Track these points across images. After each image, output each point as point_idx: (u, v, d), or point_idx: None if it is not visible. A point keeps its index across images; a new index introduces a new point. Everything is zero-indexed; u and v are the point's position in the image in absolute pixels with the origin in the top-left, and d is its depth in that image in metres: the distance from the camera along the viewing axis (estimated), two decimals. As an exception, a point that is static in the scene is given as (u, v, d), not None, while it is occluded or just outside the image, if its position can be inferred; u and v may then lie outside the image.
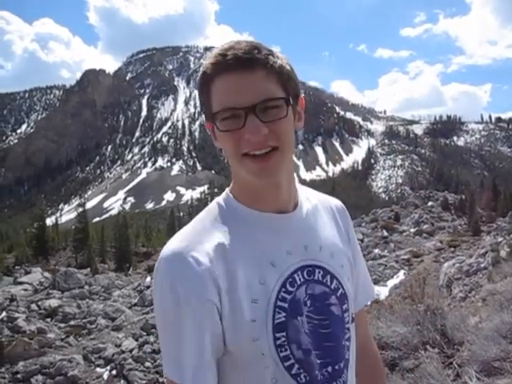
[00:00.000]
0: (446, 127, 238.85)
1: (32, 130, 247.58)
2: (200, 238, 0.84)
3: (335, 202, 1.04)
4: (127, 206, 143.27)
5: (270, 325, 0.84)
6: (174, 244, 0.84)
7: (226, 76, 0.79)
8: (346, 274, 0.95)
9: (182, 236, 0.85)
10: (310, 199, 0.97)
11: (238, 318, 0.82)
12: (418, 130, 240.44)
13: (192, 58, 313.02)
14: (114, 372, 12.82)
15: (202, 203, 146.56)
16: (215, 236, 0.85)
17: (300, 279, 0.88)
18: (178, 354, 0.81)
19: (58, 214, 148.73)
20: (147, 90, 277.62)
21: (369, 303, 1.00)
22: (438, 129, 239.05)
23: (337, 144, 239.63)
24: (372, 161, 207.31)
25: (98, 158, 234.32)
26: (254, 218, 0.88)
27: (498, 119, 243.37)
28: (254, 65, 0.78)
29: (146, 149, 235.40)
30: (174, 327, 0.81)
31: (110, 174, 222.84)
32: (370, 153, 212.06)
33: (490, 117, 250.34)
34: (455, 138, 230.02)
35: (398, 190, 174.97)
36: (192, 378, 0.80)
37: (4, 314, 16.70)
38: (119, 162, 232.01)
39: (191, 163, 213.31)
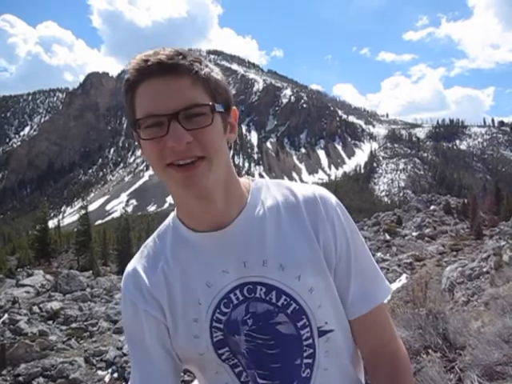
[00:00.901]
0: (449, 131, 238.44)
1: (35, 133, 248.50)
2: (144, 262, 0.92)
3: (306, 195, 0.91)
4: (129, 209, 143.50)
5: (210, 342, 0.87)
6: (127, 267, 0.95)
7: (148, 82, 0.76)
8: (305, 285, 0.86)
9: (133, 260, 0.95)
10: (265, 202, 0.90)
11: (181, 334, 0.88)
12: (421, 133, 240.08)
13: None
14: (115, 375, 12.81)
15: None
16: (159, 259, 0.90)
17: (238, 298, 0.86)
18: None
19: (60, 217, 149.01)
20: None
21: (367, 310, 0.92)
22: (440, 132, 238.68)
23: (339, 147, 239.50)
24: (374, 164, 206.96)
25: (100, 160, 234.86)
26: (191, 238, 0.88)
27: (501, 123, 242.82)
28: (177, 71, 0.75)
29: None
30: (126, 338, 0.99)
31: (113, 176, 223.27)
32: (373, 156, 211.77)
33: (493, 120, 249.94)
34: (458, 142, 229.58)
35: (401, 194, 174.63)
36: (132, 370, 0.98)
37: (6, 316, 16.73)
38: (122, 165, 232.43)
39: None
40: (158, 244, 0.93)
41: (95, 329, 17.35)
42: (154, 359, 0.90)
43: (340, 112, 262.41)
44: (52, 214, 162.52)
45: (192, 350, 0.89)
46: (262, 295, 0.85)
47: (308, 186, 0.93)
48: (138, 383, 0.94)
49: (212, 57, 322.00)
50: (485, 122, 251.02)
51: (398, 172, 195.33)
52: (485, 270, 12.43)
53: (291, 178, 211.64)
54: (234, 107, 0.86)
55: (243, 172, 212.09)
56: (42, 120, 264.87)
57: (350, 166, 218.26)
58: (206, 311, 0.86)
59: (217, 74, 0.81)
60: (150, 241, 0.95)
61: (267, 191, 0.91)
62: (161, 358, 0.90)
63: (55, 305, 19.99)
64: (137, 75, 0.77)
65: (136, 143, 0.81)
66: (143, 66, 0.76)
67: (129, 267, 0.95)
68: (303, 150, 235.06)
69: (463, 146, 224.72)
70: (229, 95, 0.84)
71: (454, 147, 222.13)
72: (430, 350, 3.59)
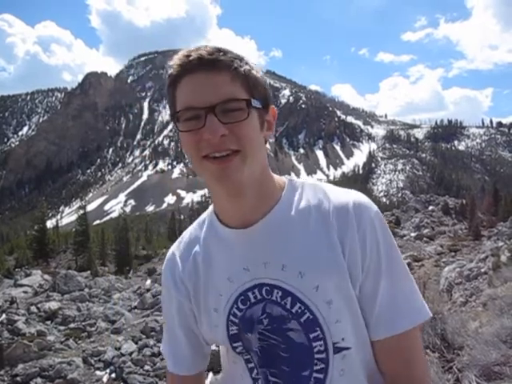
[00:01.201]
0: (447, 131, 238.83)
1: (33, 133, 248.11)
2: (182, 248, 0.98)
3: (340, 202, 0.87)
4: (128, 209, 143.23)
5: (226, 334, 0.91)
6: (169, 251, 1.02)
7: (189, 77, 0.79)
8: (323, 296, 0.83)
9: (174, 245, 1.01)
10: (297, 204, 0.88)
11: (204, 321, 0.94)
12: (419, 134, 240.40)
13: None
14: (113, 375, 12.80)
15: (202, 206, 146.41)
16: (193, 247, 0.95)
17: (256, 297, 0.87)
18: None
19: (58, 217, 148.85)
20: (148, 93, 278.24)
21: (390, 334, 0.85)
22: (438, 133, 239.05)
23: (338, 148, 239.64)
24: (373, 165, 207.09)
25: (99, 160, 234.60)
26: (222, 232, 0.90)
27: (499, 124, 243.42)
28: (217, 66, 0.78)
29: (146, 152, 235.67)
30: (162, 310, 1.06)
31: (111, 176, 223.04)
32: (371, 157, 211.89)
33: (491, 121, 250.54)
34: (456, 143, 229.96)
35: (399, 194, 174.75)
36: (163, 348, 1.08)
37: (4, 316, 16.70)
38: (120, 165, 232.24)
39: (192, 166, 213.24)
40: (195, 232, 0.96)
41: (93, 329, 17.33)
42: (178, 337, 0.99)
43: (338, 112, 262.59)
44: (50, 214, 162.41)
45: (213, 337, 0.94)
46: (278, 299, 0.85)
47: (347, 193, 0.89)
48: (166, 352, 1.04)
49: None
50: (483, 123, 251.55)
51: (397, 172, 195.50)
52: (483, 270, 12.45)
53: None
54: (273, 106, 0.88)
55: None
56: (41, 120, 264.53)
57: (348, 166, 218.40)
58: (225, 304, 0.89)
59: (257, 72, 0.83)
60: (190, 227, 0.99)
61: (302, 193, 0.90)
62: (184, 338, 0.98)
63: (53, 305, 19.97)
64: (179, 70, 0.80)
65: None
66: (185, 61, 0.79)
67: (169, 251, 1.00)
68: (302, 151, 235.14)
69: (461, 147, 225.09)
70: (267, 93, 0.86)
71: (453, 148, 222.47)
72: (428, 351, 3.59)
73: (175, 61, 0.81)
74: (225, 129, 0.77)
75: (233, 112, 0.78)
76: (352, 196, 0.87)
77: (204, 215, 0.98)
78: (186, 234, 0.99)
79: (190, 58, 0.78)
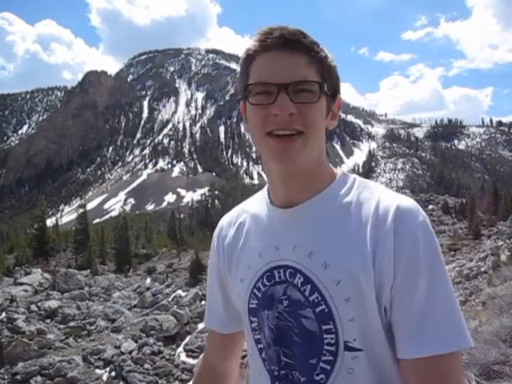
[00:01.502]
0: (447, 131, 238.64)
1: (33, 131, 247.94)
2: (232, 216, 1.03)
3: (384, 204, 0.83)
4: (128, 208, 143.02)
5: (247, 306, 0.93)
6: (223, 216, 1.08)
7: (268, 53, 0.80)
8: (342, 293, 0.81)
9: (228, 212, 1.06)
10: (341, 198, 0.87)
11: (232, 288, 1.00)
12: (419, 133, 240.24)
13: (193, 60, 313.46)
14: (113, 373, 12.82)
15: (202, 205, 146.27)
16: (241, 217, 1.00)
17: (280, 277, 0.88)
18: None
19: (58, 215, 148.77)
20: (148, 92, 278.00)
21: (415, 356, 0.78)
22: (438, 132, 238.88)
23: (337, 147, 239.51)
24: (373, 164, 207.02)
25: (98, 159, 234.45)
26: (266, 208, 0.94)
27: (499, 123, 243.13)
28: (297, 47, 0.79)
29: (146, 150, 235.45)
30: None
31: (111, 175, 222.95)
32: (371, 156, 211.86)
33: (491, 120, 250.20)
34: (456, 142, 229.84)
35: (399, 193, 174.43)
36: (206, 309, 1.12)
37: (4, 314, 16.71)
38: (120, 164, 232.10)
39: (192, 165, 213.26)
40: (248, 204, 1.01)
41: (93, 327, 17.33)
42: (215, 294, 1.05)
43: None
44: (50, 213, 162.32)
45: (237, 306, 0.98)
46: (299, 284, 0.85)
47: (395, 197, 0.85)
48: (206, 307, 1.10)
49: (211, 56, 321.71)
50: (483, 122, 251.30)
51: (397, 171, 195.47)
52: (482, 269, 12.46)
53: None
54: (341, 96, 0.89)
55: (241, 171, 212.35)
56: (41, 118, 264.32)
57: (348, 165, 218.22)
58: (252, 277, 0.91)
59: (331, 60, 0.84)
60: (246, 200, 1.04)
61: (350, 188, 0.89)
62: (220, 296, 1.04)
63: (53, 303, 19.97)
64: (258, 45, 0.81)
65: (242, 115, 0.88)
66: (266, 38, 0.80)
67: (223, 217, 1.06)
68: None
69: (461, 146, 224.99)
70: (338, 83, 0.87)
71: (453, 147, 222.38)
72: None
73: (257, 36, 0.82)
74: (294, 108, 0.78)
75: (304, 93, 0.79)
76: (398, 200, 0.83)
77: (259, 192, 1.01)
78: (240, 205, 1.03)
79: (272, 36, 0.80)
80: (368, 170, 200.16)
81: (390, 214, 0.81)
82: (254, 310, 0.92)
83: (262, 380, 0.93)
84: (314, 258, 0.84)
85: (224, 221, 1.04)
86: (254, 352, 0.94)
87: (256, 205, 0.97)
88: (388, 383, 0.84)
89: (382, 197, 0.85)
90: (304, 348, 0.85)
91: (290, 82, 0.78)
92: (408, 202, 0.83)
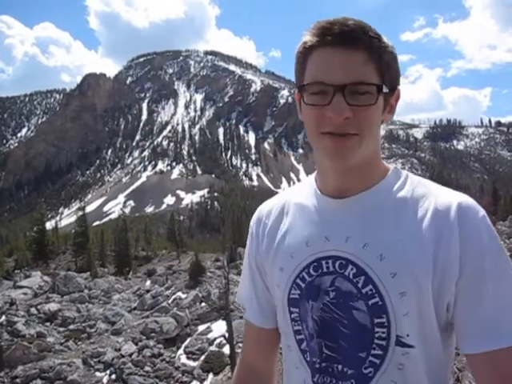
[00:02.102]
0: (446, 131, 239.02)
1: (32, 134, 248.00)
2: (274, 202, 1.00)
3: (443, 200, 0.82)
4: (127, 210, 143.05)
5: (287, 296, 0.90)
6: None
7: (324, 49, 0.78)
8: (397, 287, 0.80)
9: (272, 197, 1.04)
10: (394, 193, 0.86)
11: (268, 276, 0.97)
12: (418, 133, 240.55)
13: (192, 62, 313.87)
14: (113, 376, 12.79)
15: (202, 207, 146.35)
16: (285, 202, 0.97)
17: (329, 268, 0.86)
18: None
19: (57, 218, 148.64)
20: (147, 94, 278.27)
21: (482, 350, 0.77)
22: (437, 133, 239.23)
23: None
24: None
25: (98, 161, 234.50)
26: (315, 197, 0.92)
27: (498, 123, 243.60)
28: (355, 44, 0.76)
29: (146, 152, 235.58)
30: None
31: (110, 177, 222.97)
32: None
33: (490, 121, 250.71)
34: (455, 142, 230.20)
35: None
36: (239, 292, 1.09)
37: (3, 317, 16.70)
38: (119, 166, 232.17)
39: (191, 167, 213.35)
40: (294, 190, 0.99)
41: (93, 330, 17.31)
42: (259, 286, 1.01)
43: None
44: (49, 216, 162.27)
45: (274, 295, 0.95)
46: (351, 275, 0.83)
47: (452, 193, 0.84)
48: (243, 297, 1.06)
49: (209, 57, 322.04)
50: (482, 123, 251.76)
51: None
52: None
53: (289, 179, 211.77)
54: (399, 87, 0.86)
55: (240, 173, 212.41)
56: (39, 121, 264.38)
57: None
58: (295, 266, 0.88)
59: (391, 52, 0.81)
60: (289, 188, 1.02)
61: (404, 183, 0.87)
62: (263, 288, 1.00)
63: (53, 306, 19.95)
64: (315, 40, 0.78)
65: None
66: (324, 32, 0.77)
67: (262, 205, 1.04)
68: (301, 151, 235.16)
69: (460, 147, 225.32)
70: (397, 75, 0.84)
71: (452, 147, 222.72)
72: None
73: (314, 30, 0.79)
74: (350, 111, 0.76)
75: (361, 95, 0.77)
76: (458, 197, 0.83)
77: (306, 179, 0.99)
78: (281, 194, 1.02)
79: (331, 31, 0.77)
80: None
81: (453, 210, 0.80)
82: (295, 300, 0.89)
83: (299, 372, 0.91)
84: (368, 250, 0.82)
85: (263, 209, 1.01)
86: (291, 343, 0.92)
87: (301, 194, 0.95)
88: (437, 380, 0.83)
89: (439, 193, 0.84)
90: (353, 341, 0.84)
91: (347, 83, 0.76)
92: (467, 198, 0.83)
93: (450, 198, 0.82)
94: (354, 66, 0.76)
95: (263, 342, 1.03)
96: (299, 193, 0.96)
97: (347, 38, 0.76)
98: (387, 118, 0.86)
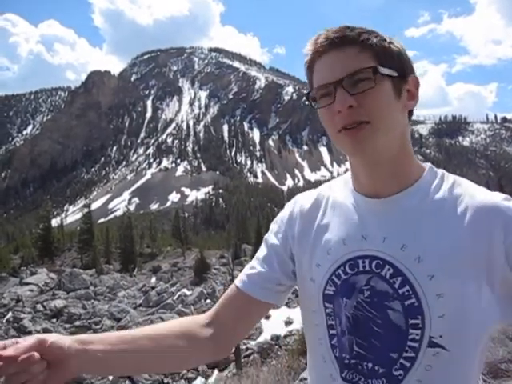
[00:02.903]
0: (451, 127, 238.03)
1: (37, 132, 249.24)
2: (312, 194, 1.00)
3: (485, 200, 0.82)
4: (132, 207, 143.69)
5: (322, 291, 0.91)
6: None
7: (320, 59, 0.83)
8: (435, 289, 0.79)
9: (308, 191, 1.04)
10: (432, 193, 0.86)
11: (302, 271, 0.95)
12: (423, 130, 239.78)
13: (196, 59, 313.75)
14: (119, 373, 12.81)
15: (206, 204, 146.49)
16: (322, 198, 0.97)
17: (365, 267, 0.86)
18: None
19: (63, 215, 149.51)
20: (152, 91, 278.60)
21: None
22: (443, 129, 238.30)
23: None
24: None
25: (103, 159, 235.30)
26: (351, 195, 0.92)
27: (504, 119, 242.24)
28: (344, 42, 0.80)
29: (150, 150, 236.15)
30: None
31: (115, 175, 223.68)
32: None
33: (496, 117, 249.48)
34: (460, 138, 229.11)
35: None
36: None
37: (10, 314, 16.82)
38: (124, 163, 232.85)
39: (196, 164, 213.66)
40: (326, 190, 0.99)
41: (99, 327, 17.40)
42: (280, 255, 0.97)
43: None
44: (55, 213, 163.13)
45: (307, 290, 0.95)
46: (387, 276, 0.83)
47: (492, 192, 0.85)
48: (247, 268, 1.00)
49: (214, 54, 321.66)
50: (487, 118, 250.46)
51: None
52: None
53: (293, 176, 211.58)
54: (415, 75, 0.87)
55: (245, 170, 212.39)
56: (45, 119, 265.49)
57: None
58: (331, 263, 0.89)
59: (389, 42, 0.83)
60: (324, 185, 1.02)
61: (441, 182, 0.87)
62: (275, 256, 0.97)
63: (59, 303, 20.05)
64: (311, 55, 0.84)
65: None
66: (315, 45, 0.83)
67: (299, 194, 1.03)
68: (305, 148, 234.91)
69: (466, 143, 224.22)
70: (405, 63, 0.85)
71: (457, 144, 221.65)
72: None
73: (308, 47, 0.85)
74: (353, 99, 0.78)
75: (361, 82, 0.79)
76: (500, 195, 0.84)
77: (342, 176, 1.00)
78: (316, 190, 1.02)
79: (319, 41, 0.82)
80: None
81: (501, 210, 0.80)
82: (330, 296, 0.90)
83: (327, 366, 0.92)
84: (406, 251, 0.82)
85: (301, 198, 1.01)
86: (323, 337, 0.92)
87: (338, 192, 0.96)
88: (465, 381, 0.83)
89: (478, 193, 0.84)
90: (386, 340, 0.84)
91: (343, 76, 0.79)
92: (506, 196, 0.84)
93: (488, 197, 0.83)
94: (347, 59, 0.80)
95: (248, 313, 0.98)
96: (335, 191, 0.97)
97: (334, 40, 0.80)
98: (409, 105, 0.86)
